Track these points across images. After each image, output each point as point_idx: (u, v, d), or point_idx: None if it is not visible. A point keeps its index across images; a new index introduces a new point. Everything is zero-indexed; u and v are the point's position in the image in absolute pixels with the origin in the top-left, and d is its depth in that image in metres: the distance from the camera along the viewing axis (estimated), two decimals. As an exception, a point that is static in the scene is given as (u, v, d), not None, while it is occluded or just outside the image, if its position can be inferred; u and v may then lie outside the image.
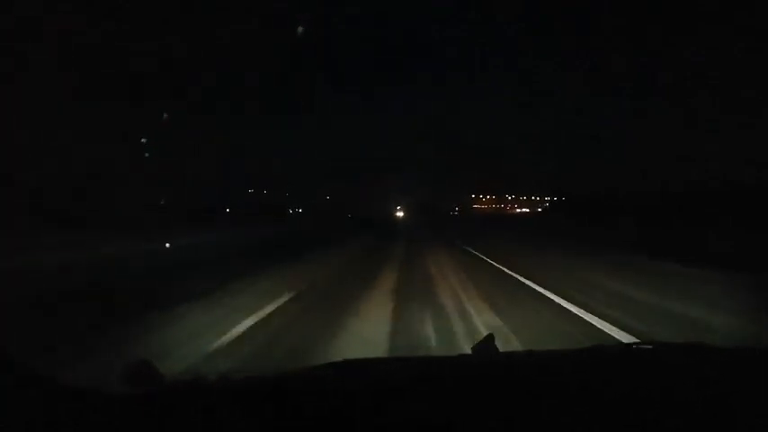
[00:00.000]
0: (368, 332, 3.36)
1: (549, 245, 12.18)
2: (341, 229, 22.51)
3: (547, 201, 78.41)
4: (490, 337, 1.18)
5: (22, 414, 0.71)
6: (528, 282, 5.59)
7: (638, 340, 2.86)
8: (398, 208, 69.30)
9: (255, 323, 3.64)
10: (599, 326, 3.48)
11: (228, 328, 3.39)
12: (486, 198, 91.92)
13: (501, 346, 1.21)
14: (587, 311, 3.90)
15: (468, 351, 1.20)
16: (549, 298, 4.64)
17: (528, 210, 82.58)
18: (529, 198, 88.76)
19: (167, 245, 11.47)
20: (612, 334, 3.24)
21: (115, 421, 0.73)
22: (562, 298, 4.51)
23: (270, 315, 3.93)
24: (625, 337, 3.13)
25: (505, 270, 6.76)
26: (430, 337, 3.22)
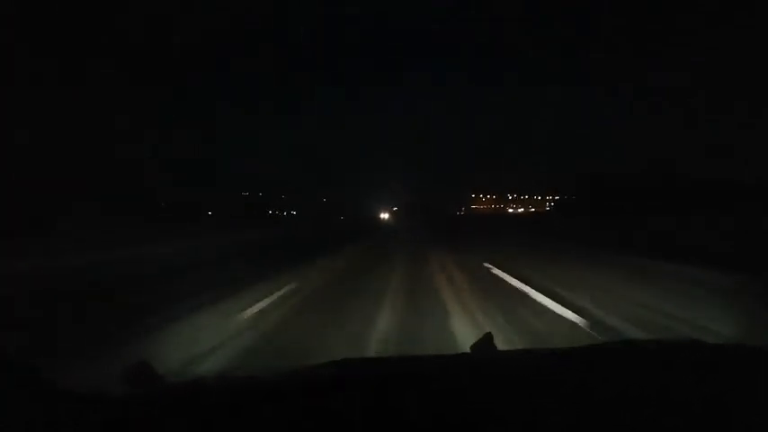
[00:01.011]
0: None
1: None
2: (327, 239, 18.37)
3: (548, 200, 78.31)
4: (489, 336, 1.18)
5: (22, 415, 0.71)
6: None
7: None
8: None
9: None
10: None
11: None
12: (485, 198, 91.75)
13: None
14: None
15: (467, 350, 1.21)
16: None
17: (523, 209, 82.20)
18: (531, 197, 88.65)
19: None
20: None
21: (114, 422, 0.74)
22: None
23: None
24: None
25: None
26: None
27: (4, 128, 16.35)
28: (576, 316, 3.80)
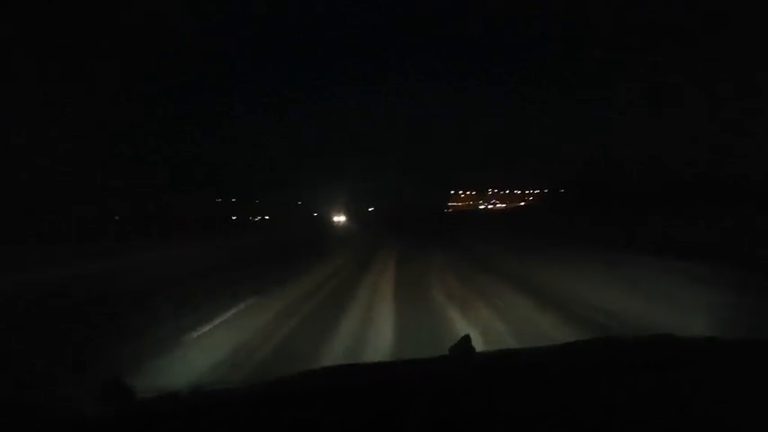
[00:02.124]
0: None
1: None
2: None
3: (527, 194, 79.64)
4: (467, 338, 1.20)
5: None
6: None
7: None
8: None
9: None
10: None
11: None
12: (464, 195, 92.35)
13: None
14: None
15: (446, 352, 1.22)
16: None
17: (499, 204, 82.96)
18: (512, 192, 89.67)
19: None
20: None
21: None
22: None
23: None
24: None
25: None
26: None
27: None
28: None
